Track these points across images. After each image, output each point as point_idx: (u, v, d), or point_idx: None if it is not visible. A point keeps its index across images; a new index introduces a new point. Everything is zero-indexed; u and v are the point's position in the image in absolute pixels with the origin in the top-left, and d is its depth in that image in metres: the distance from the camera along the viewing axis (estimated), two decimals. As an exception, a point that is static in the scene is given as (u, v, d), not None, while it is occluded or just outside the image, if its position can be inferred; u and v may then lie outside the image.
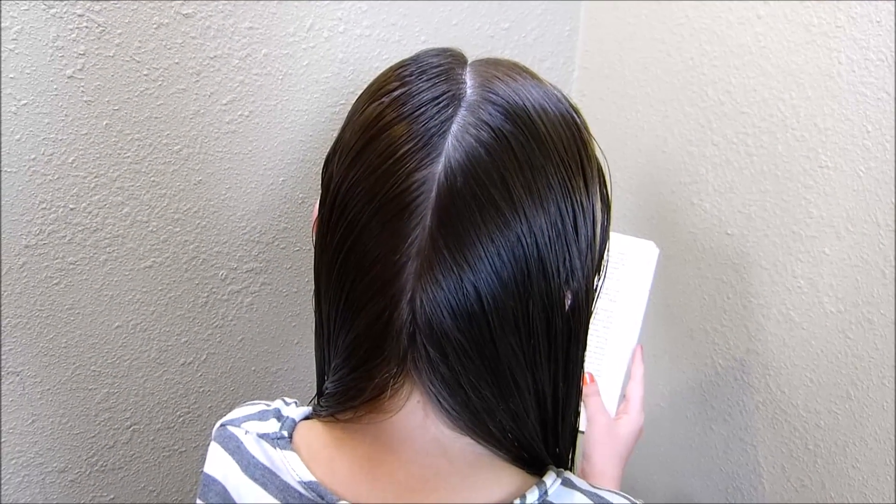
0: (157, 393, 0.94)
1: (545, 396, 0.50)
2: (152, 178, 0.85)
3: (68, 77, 0.76)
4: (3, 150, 0.76)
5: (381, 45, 0.94)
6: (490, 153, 0.44)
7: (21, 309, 0.82)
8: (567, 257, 0.46)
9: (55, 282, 0.83)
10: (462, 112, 0.45)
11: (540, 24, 1.07)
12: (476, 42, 1.02)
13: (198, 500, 0.57)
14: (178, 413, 0.97)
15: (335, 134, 0.51)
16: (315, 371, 0.56)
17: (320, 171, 0.52)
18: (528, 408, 0.49)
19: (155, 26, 0.79)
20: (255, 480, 0.53)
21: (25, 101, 0.75)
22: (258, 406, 0.58)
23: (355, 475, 0.50)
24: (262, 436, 0.54)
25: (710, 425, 1.03)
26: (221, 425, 0.57)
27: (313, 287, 0.52)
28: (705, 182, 0.96)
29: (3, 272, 0.80)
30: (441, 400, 0.47)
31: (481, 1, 0.99)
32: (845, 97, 0.80)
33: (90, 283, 0.85)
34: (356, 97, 0.51)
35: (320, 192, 0.51)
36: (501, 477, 0.51)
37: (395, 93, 0.47)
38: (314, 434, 0.53)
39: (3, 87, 0.74)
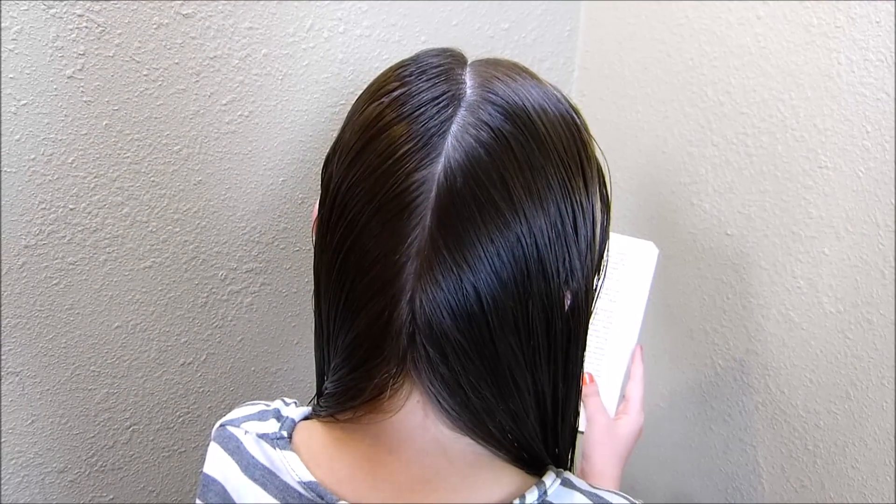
0: (156, 393, 0.94)
1: (545, 396, 0.50)
2: (152, 179, 0.85)
3: (68, 77, 0.76)
4: (2, 150, 0.76)
5: (380, 45, 0.94)
6: (490, 153, 0.44)
7: (21, 309, 0.82)
8: (567, 258, 0.46)
9: (55, 282, 0.83)
10: (462, 112, 0.45)
11: (540, 24, 1.07)
12: (476, 42, 1.02)
13: (197, 501, 0.57)
14: (178, 413, 0.97)
15: (335, 134, 0.51)
16: (315, 371, 0.56)
17: (320, 172, 0.52)
18: (528, 408, 0.49)
19: (155, 26, 0.79)
20: (255, 481, 0.53)
21: (25, 102, 0.75)
22: (258, 406, 0.58)
23: (355, 475, 0.50)
24: (261, 436, 0.54)
25: (710, 425, 1.03)
26: (221, 425, 0.57)
27: (313, 287, 0.52)
28: (705, 182, 0.96)
29: (2, 272, 0.80)
30: (441, 400, 0.47)
31: (481, 1, 0.99)
32: (845, 98, 0.80)
33: (90, 284, 0.85)
34: (356, 97, 0.52)
35: (320, 192, 0.51)
36: (501, 477, 0.51)
37: (395, 93, 0.47)
38: (314, 434, 0.53)
39: (2, 87, 0.74)
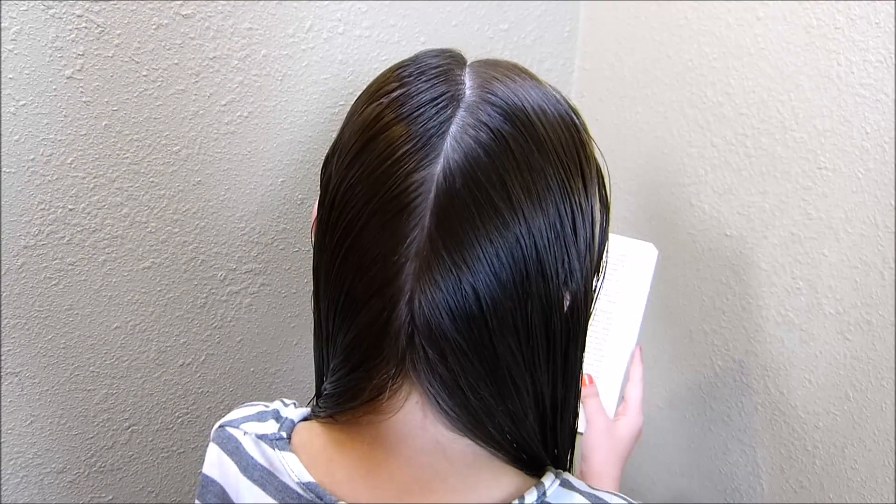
0: (155, 394, 0.94)
1: (544, 397, 0.50)
2: (151, 179, 0.85)
3: (67, 78, 0.76)
4: (2, 150, 0.76)
5: (380, 46, 0.94)
6: (489, 154, 0.44)
7: (20, 310, 0.82)
8: (566, 258, 0.46)
9: (54, 282, 0.83)
10: (461, 113, 0.45)
11: (539, 25, 1.07)
12: (475, 43, 1.02)
13: (196, 501, 0.57)
14: (177, 414, 0.97)
15: (334, 135, 0.51)
16: (314, 372, 0.56)
17: (319, 172, 0.52)
18: (527, 409, 0.49)
19: (154, 27, 0.79)
20: (254, 481, 0.53)
21: (24, 102, 0.75)
22: (257, 407, 0.58)
23: (354, 476, 0.50)
24: (260, 437, 0.54)
25: (709, 426, 1.03)
26: (220, 426, 0.57)
27: (312, 288, 0.52)
28: (704, 183, 0.96)
29: (1, 273, 0.80)
30: (440, 401, 0.47)
31: (480, 2, 0.99)
32: (844, 99, 0.80)
33: (89, 284, 0.85)
34: (355, 98, 0.52)
35: (319, 192, 0.51)
36: (500, 478, 0.51)
37: (394, 94, 0.47)
38: (313, 435, 0.53)
39: (2, 87, 0.74)
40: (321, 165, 0.52)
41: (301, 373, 1.05)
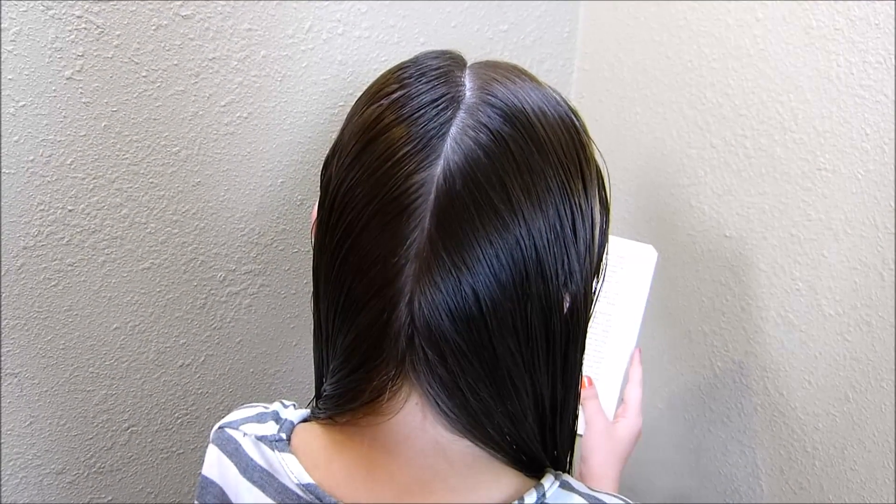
0: (155, 395, 0.94)
1: (543, 399, 0.50)
2: (151, 180, 0.85)
3: (67, 78, 0.76)
4: (1, 151, 0.76)
5: (379, 46, 0.94)
6: (489, 156, 0.44)
7: (19, 310, 0.82)
8: (566, 260, 0.46)
9: (53, 283, 0.83)
10: (461, 114, 0.45)
11: (539, 25, 1.07)
12: (475, 44, 1.02)
13: (195, 502, 0.57)
14: (177, 415, 0.97)
15: (334, 136, 0.51)
16: (313, 373, 0.56)
17: (319, 173, 0.52)
18: (527, 410, 0.49)
19: (154, 28, 0.79)
20: (254, 483, 0.53)
21: (24, 103, 0.75)
22: (256, 408, 0.58)
23: (354, 477, 0.50)
24: (260, 438, 0.54)
25: (709, 427, 1.03)
26: (219, 428, 0.57)
27: (312, 289, 0.52)
28: (704, 184, 0.96)
29: (1, 273, 0.80)
30: (439, 402, 0.47)
31: (480, 2, 0.99)
32: (844, 100, 0.80)
33: (88, 285, 0.85)
34: (355, 99, 0.52)
35: (319, 193, 0.51)
36: (500, 479, 0.51)
37: (395, 95, 0.47)
38: (312, 436, 0.53)
39: (1, 88, 0.74)
40: (321, 166, 0.52)
41: (301, 374, 1.05)
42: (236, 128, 0.88)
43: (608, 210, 0.52)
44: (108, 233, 0.84)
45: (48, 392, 0.87)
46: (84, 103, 0.78)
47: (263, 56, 0.86)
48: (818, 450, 0.88)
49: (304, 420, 0.55)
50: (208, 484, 0.55)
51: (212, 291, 0.93)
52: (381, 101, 0.48)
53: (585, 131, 0.51)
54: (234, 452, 0.54)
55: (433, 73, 0.48)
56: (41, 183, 0.79)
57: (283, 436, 0.53)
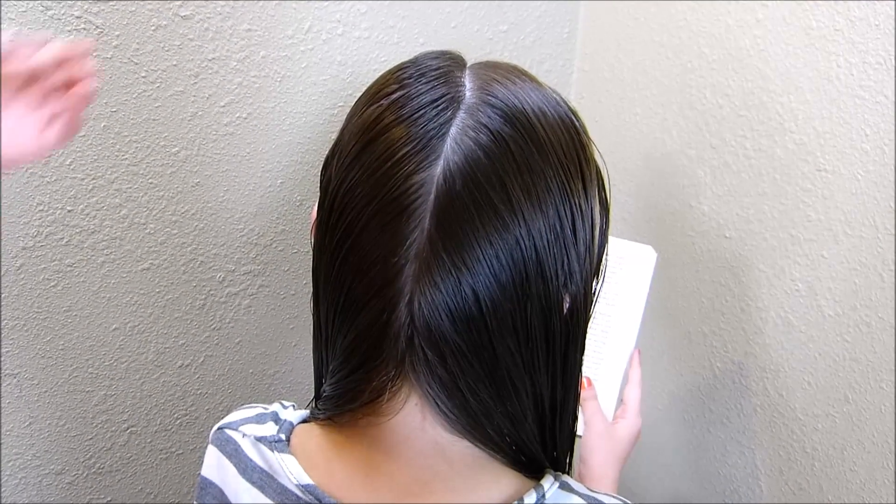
0: (154, 395, 0.94)
1: (543, 399, 0.50)
2: (150, 181, 0.85)
3: (66, 79, 0.76)
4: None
5: (379, 47, 0.94)
6: (489, 156, 0.44)
7: (18, 311, 0.82)
8: (565, 260, 0.46)
9: (52, 284, 0.83)
10: (461, 115, 0.45)
11: (539, 26, 1.07)
12: (475, 44, 1.02)
13: (194, 503, 0.57)
14: (176, 415, 0.97)
15: (334, 136, 0.51)
16: (313, 374, 0.56)
17: (319, 173, 0.52)
18: (526, 411, 0.49)
19: (153, 28, 0.79)
20: (253, 484, 0.53)
21: (23, 103, 0.75)
22: (256, 409, 0.58)
23: (353, 478, 0.50)
24: (259, 439, 0.54)
25: (708, 428, 1.03)
26: (219, 428, 0.57)
27: (311, 289, 0.52)
28: (703, 185, 0.96)
29: (0, 274, 0.80)
30: (439, 403, 0.47)
31: (480, 2, 0.99)
32: (844, 101, 0.80)
33: (88, 286, 0.85)
34: (355, 99, 0.51)
35: (319, 194, 0.51)
36: (500, 480, 0.51)
37: (394, 95, 0.47)
38: (312, 437, 0.53)
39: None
40: (320, 167, 0.52)
41: (300, 374, 1.05)
42: (236, 128, 0.88)
43: (608, 211, 0.52)
44: (108, 233, 0.84)
45: (47, 393, 0.87)
46: (83, 103, 0.78)
47: (263, 56, 0.86)
48: (818, 451, 0.88)
49: (304, 421, 0.55)
50: (207, 485, 0.55)
51: (211, 292, 0.93)
52: (381, 102, 0.48)
53: (585, 132, 0.51)
54: (233, 453, 0.54)
55: (433, 73, 0.48)
56: (40, 183, 0.79)
57: (283, 436, 0.53)
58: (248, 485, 0.53)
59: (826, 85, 0.81)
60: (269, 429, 0.54)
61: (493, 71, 0.49)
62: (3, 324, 0.82)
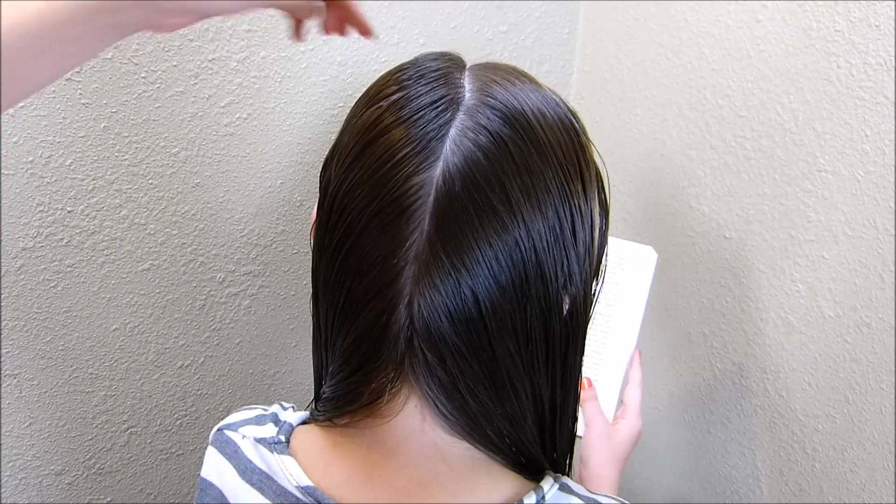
0: (154, 396, 0.94)
1: (542, 401, 0.50)
2: (150, 181, 0.85)
3: (66, 79, 0.76)
4: (0, 152, 0.76)
5: (379, 47, 0.93)
6: (488, 157, 0.44)
7: (18, 311, 0.82)
8: (565, 262, 0.46)
9: (52, 284, 0.83)
10: (460, 116, 0.45)
11: (538, 27, 1.07)
12: (474, 45, 1.02)
13: (194, 504, 0.57)
14: (176, 416, 0.97)
15: (333, 137, 0.51)
16: (313, 375, 0.56)
17: (318, 174, 0.52)
18: (526, 412, 0.49)
19: (153, 29, 0.79)
20: (253, 485, 0.53)
21: (23, 104, 0.75)
22: (255, 410, 0.58)
23: (353, 480, 0.50)
24: (259, 440, 0.54)
25: (708, 429, 1.03)
26: (218, 430, 0.57)
27: (311, 290, 0.52)
28: (703, 186, 0.96)
29: (0, 275, 0.80)
30: (438, 404, 0.47)
31: (480, 3, 0.99)
32: (844, 101, 0.80)
33: (88, 286, 0.85)
34: (354, 100, 0.51)
35: (319, 195, 0.51)
36: (499, 481, 0.51)
37: (394, 97, 0.47)
38: (311, 439, 0.53)
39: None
40: (320, 168, 0.52)
41: (300, 375, 1.05)
42: (236, 129, 0.88)
43: (608, 211, 0.52)
44: (108, 234, 0.84)
45: (47, 393, 0.87)
46: (83, 104, 0.78)
47: (263, 57, 0.86)
48: (818, 451, 0.88)
49: (303, 422, 0.55)
50: (207, 486, 0.55)
51: (211, 292, 0.93)
52: (381, 103, 0.48)
53: (585, 133, 0.51)
54: (232, 455, 0.54)
55: (432, 74, 0.48)
56: (40, 184, 0.79)
57: (282, 438, 0.53)
58: (247, 486, 0.53)
59: (826, 85, 0.81)
60: (269, 430, 0.54)
61: (493, 72, 0.49)
62: (3, 324, 0.82)
